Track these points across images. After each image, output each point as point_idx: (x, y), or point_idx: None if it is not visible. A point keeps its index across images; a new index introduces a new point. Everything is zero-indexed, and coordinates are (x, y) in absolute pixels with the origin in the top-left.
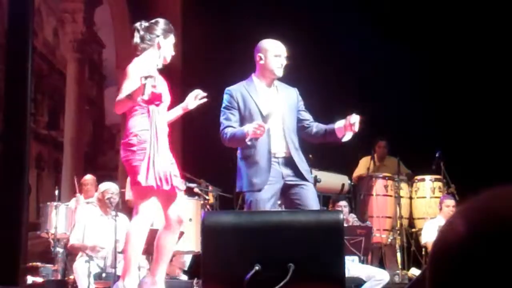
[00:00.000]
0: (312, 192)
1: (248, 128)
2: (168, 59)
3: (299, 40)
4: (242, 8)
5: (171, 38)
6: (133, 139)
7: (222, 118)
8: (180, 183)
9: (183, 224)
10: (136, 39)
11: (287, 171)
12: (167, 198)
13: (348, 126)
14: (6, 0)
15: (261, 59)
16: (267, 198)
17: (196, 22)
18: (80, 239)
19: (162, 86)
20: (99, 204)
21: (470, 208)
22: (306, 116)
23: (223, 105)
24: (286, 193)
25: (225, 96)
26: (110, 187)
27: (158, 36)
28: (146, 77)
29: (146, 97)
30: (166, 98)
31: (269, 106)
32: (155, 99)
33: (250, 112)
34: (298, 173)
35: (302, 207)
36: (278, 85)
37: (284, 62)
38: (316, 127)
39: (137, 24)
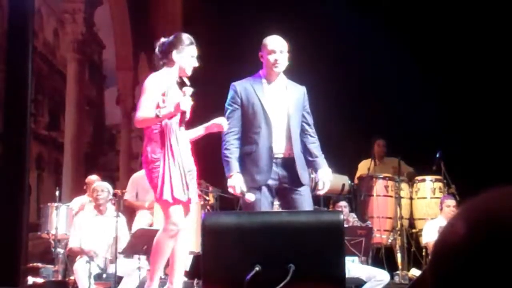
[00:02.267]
0: (308, 197)
1: (235, 185)
2: (188, 71)
3: (300, 37)
4: (243, 5)
5: (189, 50)
6: (147, 156)
7: (225, 115)
8: (195, 195)
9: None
10: (156, 60)
11: (283, 173)
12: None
13: (313, 188)
14: (6, 0)
15: (261, 56)
16: (265, 198)
17: (196, 22)
18: (78, 243)
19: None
20: (94, 204)
21: (470, 209)
22: (308, 119)
23: (227, 101)
24: (282, 196)
25: (230, 92)
26: (96, 186)
27: (172, 51)
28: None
29: (182, 124)
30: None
31: (274, 103)
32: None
33: (253, 108)
34: (294, 176)
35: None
36: (288, 83)
37: (281, 57)
38: (308, 146)
39: (157, 43)
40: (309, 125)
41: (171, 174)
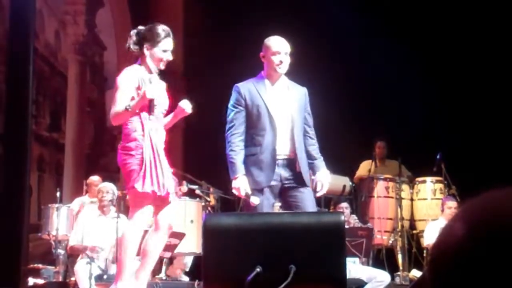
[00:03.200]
0: (310, 196)
1: (240, 187)
2: (162, 65)
3: (300, 38)
4: (244, 5)
5: (165, 43)
6: (131, 144)
7: (228, 117)
8: (174, 191)
9: (171, 230)
10: (128, 44)
11: (286, 174)
12: (160, 203)
13: (313, 190)
14: (7, 1)
15: (263, 56)
16: (267, 200)
17: (198, 23)
18: (79, 240)
19: (159, 91)
20: (98, 205)
21: (469, 210)
22: (308, 121)
23: (231, 102)
24: (284, 195)
25: (233, 93)
26: (102, 187)
27: (148, 42)
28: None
29: (152, 112)
30: (164, 102)
31: (278, 104)
32: (145, 108)
33: (258, 110)
34: (297, 177)
35: (299, 210)
36: (290, 84)
37: (285, 59)
38: (307, 148)
39: (132, 31)
40: (309, 126)
41: (155, 167)
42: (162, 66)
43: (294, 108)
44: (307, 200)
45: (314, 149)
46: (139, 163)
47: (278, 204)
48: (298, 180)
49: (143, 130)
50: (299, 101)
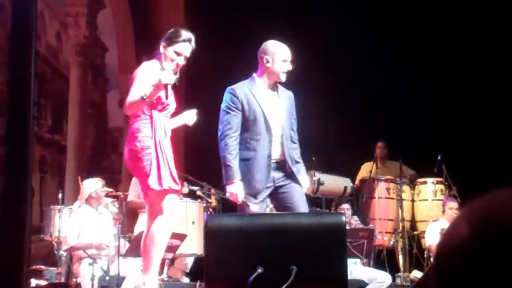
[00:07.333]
0: (300, 192)
1: (237, 193)
2: (171, 67)
3: (301, 41)
4: (245, 10)
5: (178, 46)
6: (137, 145)
7: (223, 119)
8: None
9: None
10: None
11: (278, 175)
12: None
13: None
14: (9, 4)
15: (268, 61)
16: (261, 203)
17: (199, 26)
18: (78, 238)
19: (173, 79)
20: (89, 202)
21: (473, 211)
22: (293, 125)
23: (225, 104)
24: (275, 194)
25: (228, 95)
26: (98, 191)
27: (166, 41)
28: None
29: (167, 99)
30: (172, 104)
31: (272, 110)
32: (158, 103)
33: (255, 114)
34: (288, 175)
35: (290, 207)
36: (279, 88)
37: (290, 67)
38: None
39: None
40: (294, 131)
41: (168, 164)
42: (172, 68)
43: (284, 113)
44: (296, 197)
45: (296, 153)
46: (149, 163)
47: (271, 206)
48: (289, 177)
49: (152, 130)
50: (287, 106)
